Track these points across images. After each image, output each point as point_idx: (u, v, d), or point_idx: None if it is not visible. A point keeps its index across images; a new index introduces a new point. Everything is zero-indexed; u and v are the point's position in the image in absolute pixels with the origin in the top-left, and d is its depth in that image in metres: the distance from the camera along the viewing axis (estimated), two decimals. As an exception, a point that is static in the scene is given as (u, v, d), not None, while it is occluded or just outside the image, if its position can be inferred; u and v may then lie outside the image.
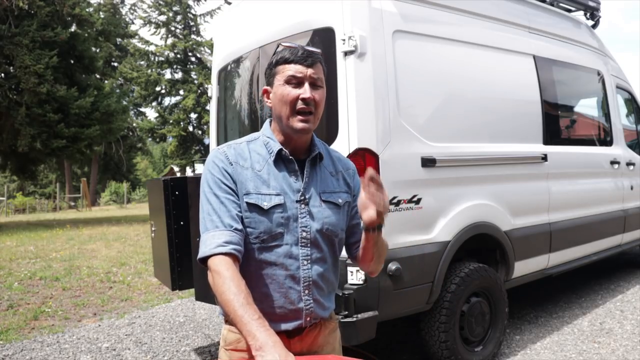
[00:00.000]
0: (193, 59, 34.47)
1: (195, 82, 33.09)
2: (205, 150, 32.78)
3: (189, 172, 30.75)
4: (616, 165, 4.92)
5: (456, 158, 3.25)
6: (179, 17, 33.89)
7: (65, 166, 32.56)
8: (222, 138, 4.21)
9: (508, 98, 3.76)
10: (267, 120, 1.51)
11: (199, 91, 32.64)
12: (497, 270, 3.65)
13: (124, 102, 21.34)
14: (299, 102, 1.36)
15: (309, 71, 1.37)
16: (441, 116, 3.23)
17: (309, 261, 1.42)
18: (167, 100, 34.14)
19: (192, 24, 34.42)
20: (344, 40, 2.82)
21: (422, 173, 3.03)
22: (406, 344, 3.89)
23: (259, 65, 3.58)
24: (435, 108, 3.21)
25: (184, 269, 3.41)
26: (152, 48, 33.26)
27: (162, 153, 50.85)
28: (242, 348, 1.41)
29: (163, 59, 33.45)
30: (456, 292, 3.18)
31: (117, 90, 22.79)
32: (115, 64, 32.22)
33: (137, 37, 33.18)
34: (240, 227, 1.36)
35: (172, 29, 33.98)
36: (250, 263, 1.40)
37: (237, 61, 3.93)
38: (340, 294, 2.72)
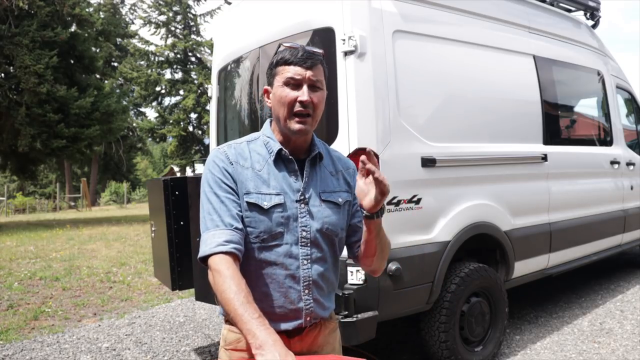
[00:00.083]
0: (193, 59, 34.47)
1: (195, 82, 33.09)
2: (205, 150, 32.79)
3: (189, 172, 30.75)
4: (616, 165, 4.92)
5: (456, 158, 3.25)
6: (179, 17, 33.89)
7: (65, 166, 32.55)
8: (222, 138, 4.21)
9: (508, 98, 3.76)
10: (268, 120, 1.51)
11: (199, 91, 32.65)
12: (497, 270, 3.65)
13: (124, 102, 21.33)
14: (297, 104, 1.36)
15: (308, 73, 1.37)
16: (441, 116, 3.23)
17: (309, 261, 1.42)
18: (167, 100, 34.20)
19: (192, 24, 34.42)
20: (344, 40, 2.82)
21: (422, 173, 3.03)
22: (406, 344, 3.89)
23: (259, 65, 3.58)
24: (436, 108, 3.21)
25: (184, 269, 3.41)
26: (152, 48, 33.27)
27: (162, 153, 50.86)
28: (242, 348, 1.41)
29: (163, 59, 33.46)
30: (456, 292, 3.18)
31: (117, 90, 22.79)
32: (115, 64, 32.22)
33: (137, 37, 33.18)
34: (240, 226, 1.36)
35: (172, 29, 33.99)
36: (250, 262, 1.40)
37: (237, 61, 3.93)
38: (340, 294, 2.72)
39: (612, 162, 4.88)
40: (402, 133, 2.95)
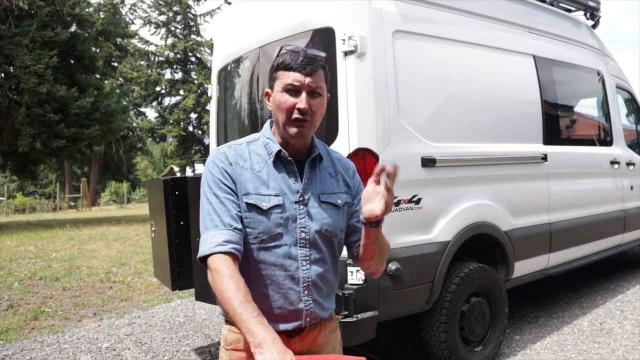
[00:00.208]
0: (193, 59, 34.47)
1: (195, 82, 33.09)
2: (205, 150, 32.79)
3: (189, 172, 30.76)
4: (616, 165, 4.92)
5: (456, 158, 3.25)
6: (179, 17, 33.89)
7: (65, 166, 32.56)
8: (222, 138, 4.21)
9: (508, 98, 3.76)
10: (268, 121, 1.51)
11: (199, 91, 32.65)
12: (497, 270, 3.65)
13: (124, 102, 21.33)
14: (295, 111, 1.36)
15: (307, 80, 1.36)
16: (441, 116, 3.23)
17: (307, 262, 1.42)
18: (167, 100, 34.21)
19: (192, 24, 34.42)
20: (344, 40, 2.82)
21: (422, 173, 3.03)
22: (406, 344, 3.89)
23: (259, 65, 3.58)
24: (436, 108, 3.21)
25: (184, 269, 3.41)
26: (152, 48, 33.27)
27: (162, 153, 50.86)
28: (242, 348, 1.42)
29: (163, 59, 33.45)
30: (456, 292, 3.18)
31: (117, 90, 22.79)
32: (115, 64, 32.22)
33: (137, 37, 33.18)
34: (240, 226, 1.37)
35: (172, 29, 33.99)
36: (250, 263, 1.40)
37: (237, 61, 3.93)
38: (340, 294, 2.72)
39: (612, 162, 4.88)
40: (402, 133, 2.95)
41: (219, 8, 32.23)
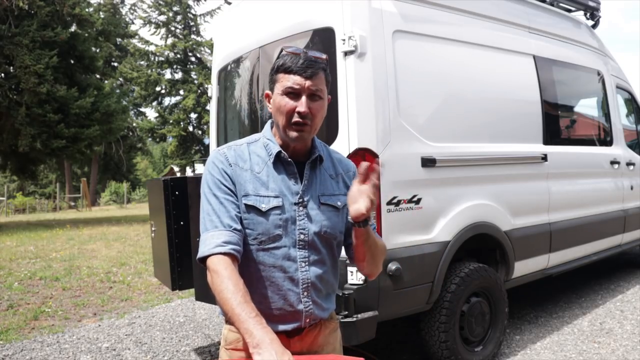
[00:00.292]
0: (193, 59, 34.47)
1: (195, 82, 33.09)
2: (205, 150, 32.79)
3: (189, 172, 30.76)
4: (616, 165, 4.92)
5: (456, 158, 3.25)
6: (179, 17, 33.89)
7: (65, 166, 32.56)
8: (222, 138, 4.21)
9: (508, 98, 3.76)
10: (269, 122, 1.51)
11: (199, 91, 32.65)
12: (497, 270, 3.65)
13: (124, 102, 21.33)
14: (295, 114, 1.36)
15: (308, 83, 1.36)
16: (441, 116, 3.23)
17: (307, 263, 1.42)
18: (167, 100, 34.21)
19: (192, 24, 34.42)
20: (344, 40, 2.82)
21: (422, 173, 3.03)
22: (406, 344, 3.89)
23: (259, 65, 3.58)
24: (436, 108, 3.21)
25: (184, 269, 3.41)
26: (152, 48, 33.27)
27: (162, 153, 50.86)
28: (242, 347, 1.41)
29: (163, 59, 33.45)
30: (456, 292, 3.18)
31: (117, 91, 22.79)
32: (115, 64, 32.22)
33: (137, 37, 33.17)
34: (239, 227, 1.37)
35: (172, 29, 33.99)
36: (249, 265, 1.40)
37: (237, 61, 3.93)
38: (340, 294, 2.71)
39: (612, 162, 4.88)
40: (402, 133, 2.95)
41: (219, 8, 32.24)
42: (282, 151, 1.43)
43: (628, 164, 5.13)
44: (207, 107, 27.16)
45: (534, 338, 3.94)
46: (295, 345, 1.44)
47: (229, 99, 4.20)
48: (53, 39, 15.78)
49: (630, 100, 5.84)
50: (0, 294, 5.85)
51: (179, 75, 33.95)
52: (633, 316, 4.40)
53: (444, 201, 3.16)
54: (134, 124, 33.45)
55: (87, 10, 19.04)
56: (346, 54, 2.82)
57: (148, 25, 33.59)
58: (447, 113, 3.27)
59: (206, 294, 3.30)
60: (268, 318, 1.28)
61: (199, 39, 34.35)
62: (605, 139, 5.03)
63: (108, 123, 17.55)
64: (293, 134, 1.38)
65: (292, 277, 1.41)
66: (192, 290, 3.64)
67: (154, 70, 33.12)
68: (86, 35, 18.28)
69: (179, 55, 33.86)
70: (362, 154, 2.78)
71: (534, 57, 4.01)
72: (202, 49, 33.84)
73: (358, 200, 1.31)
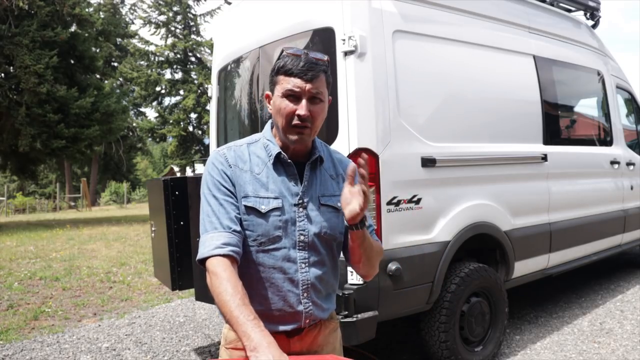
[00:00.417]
0: (193, 59, 34.48)
1: (195, 82, 33.09)
2: (205, 150, 32.79)
3: (189, 172, 30.76)
4: (616, 165, 4.92)
5: (456, 158, 3.25)
6: (179, 17, 33.90)
7: (65, 166, 32.56)
8: (222, 138, 4.21)
9: (508, 98, 3.76)
10: (269, 122, 1.51)
11: (199, 91, 32.65)
12: (497, 270, 3.65)
13: (124, 102, 21.33)
14: (295, 117, 1.35)
15: (308, 86, 1.35)
16: (441, 116, 3.23)
17: (306, 264, 1.42)
18: (167, 100, 34.22)
19: (192, 24, 34.42)
20: (344, 40, 2.82)
21: (422, 173, 3.03)
22: (406, 344, 3.89)
23: (259, 65, 3.58)
24: (435, 108, 3.21)
25: (184, 269, 3.41)
26: (152, 48, 33.28)
27: (162, 153, 50.85)
28: (242, 347, 1.41)
29: (163, 59, 33.46)
30: (456, 292, 3.18)
31: (117, 91, 22.79)
32: (115, 64, 32.22)
33: (137, 37, 33.18)
34: (239, 228, 1.36)
35: (172, 29, 33.99)
36: (249, 266, 1.40)
37: (237, 61, 3.93)
38: (340, 294, 2.71)
39: (612, 162, 4.88)
40: (402, 133, 2.95)
41: (219, 8, 32.25)
42: (282, 152, 1.42)
43: (628, 164, 5.13)
44: (207, 107, 27.16)
45: (534, 338, 3.94)
46: (295, 345, 1.44)
47: (229, 99, 4.20)
48: (53, 39, 15.78)
49: (630, 100, 5.84)
50: (0, 294, 5.85)
51: (179, 75, 33.96)
52: (633, 316, 4.40)
53: (444, 201, 3.16)
54: (134, 124, 33.45)
55: (87, 10, 19.04)
56: (346, 54, 2.82)
57: (148, 25, 33.61)
58: (447, 113, 3.27)
59: (206, 294, 3.29)
60: (268, 318, 1.28)
61: (199, 39, 34.35)
62: (605, 139, 5.03)
63: (108, 123, 17.55)
64: (293, 136, 1.37)
65: (292, 278, 1.41)
66: (192, 290, 3.64)
67: (154, 70, 33.13)
68: (86, 35, 18.27)
69: (179, 55, 33.86)
70: (359, 159, 2.77)
71: (534, 57, 4.01)
72: (202, 49, 33.85)
73: (351, 202, 1.31)
